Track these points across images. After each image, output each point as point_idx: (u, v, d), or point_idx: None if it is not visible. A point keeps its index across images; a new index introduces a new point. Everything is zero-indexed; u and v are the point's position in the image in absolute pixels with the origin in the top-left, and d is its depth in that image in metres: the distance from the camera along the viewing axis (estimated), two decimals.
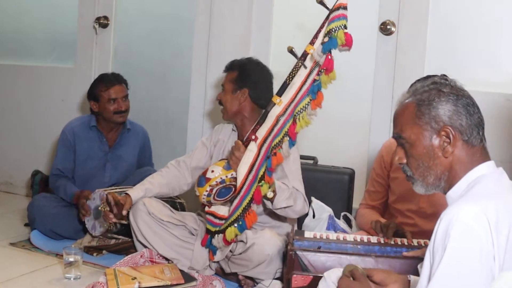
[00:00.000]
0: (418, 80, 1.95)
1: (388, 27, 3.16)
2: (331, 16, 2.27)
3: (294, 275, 2.09)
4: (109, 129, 3.37)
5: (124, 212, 2.68)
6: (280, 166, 2.58)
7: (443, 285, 1.30)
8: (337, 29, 2.22)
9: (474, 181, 1.44)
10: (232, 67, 2.82)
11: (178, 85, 3.85)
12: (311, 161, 3.23)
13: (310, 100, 2.33)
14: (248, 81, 2.74)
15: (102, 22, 4.00)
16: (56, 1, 4.33)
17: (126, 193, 2.74)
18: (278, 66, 3.22)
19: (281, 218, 2.75)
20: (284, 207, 2.53)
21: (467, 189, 1.44)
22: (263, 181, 2.40)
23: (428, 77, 1.92)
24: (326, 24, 2.30)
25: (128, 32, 4.04)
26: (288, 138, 2.38)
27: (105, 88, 3.25)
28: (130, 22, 4.04)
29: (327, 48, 2.24)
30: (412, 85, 1.84)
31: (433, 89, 1.50)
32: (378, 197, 2.71)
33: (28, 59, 4.40)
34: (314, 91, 2.31)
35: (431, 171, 1.49)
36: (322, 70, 2.28)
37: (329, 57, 2.25)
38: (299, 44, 2.46)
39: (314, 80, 2.31)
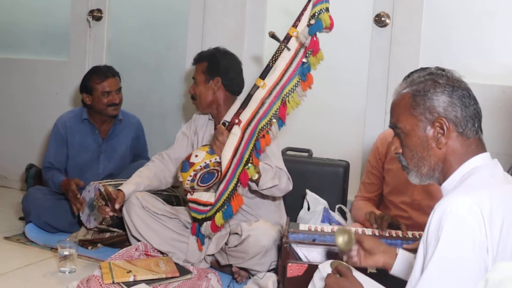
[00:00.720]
0: (414, 71, 1.94)
1: (383, 19, 3.15)
2: None
3: (289, 264, 2.09)
4: (101, 122, 3.36)
5: (117, 206, 2.67)
6: None
7: (436, 276, 1.30)
8: (321, 12, 2.25)
9: (469, 173, 1.44)
10: (200, 58, 2.83)
11: (172, 77, 3.84)
12: (306, 154, 3.23)
13: (298, 81, 2.34)
14: (219, 70, 2.75)
15: (96, 15, 3.97)
16: None
17: (118, 189, 2.74)
18: None
19: (272, 204, 2.76)
20: (270, 187, 2.54)
21: (461, 180, 1.44)
22: (250, 164, 2.40)
23: (424, 68, 1.92)
24: (310, 7, 2.31)
25: (122, 24, 4.01)
26: (276, 120, 2.38)
27: (99, 80, 3.24)
28: (124, 15, 4.02)
29: (313, 31, 2.26)
30: (407, 76, 1.84)
31: (429, 80, 1.50)
32: (374, 189, 2.71)
33: (21, 52, 4.37)
34: (304, 73, 2.32)
35: (425, 162, 1.49)
36: (309, 52, 2.29)
37: (315, 38, 2.28)
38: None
39: (302, 63, 2.32)
